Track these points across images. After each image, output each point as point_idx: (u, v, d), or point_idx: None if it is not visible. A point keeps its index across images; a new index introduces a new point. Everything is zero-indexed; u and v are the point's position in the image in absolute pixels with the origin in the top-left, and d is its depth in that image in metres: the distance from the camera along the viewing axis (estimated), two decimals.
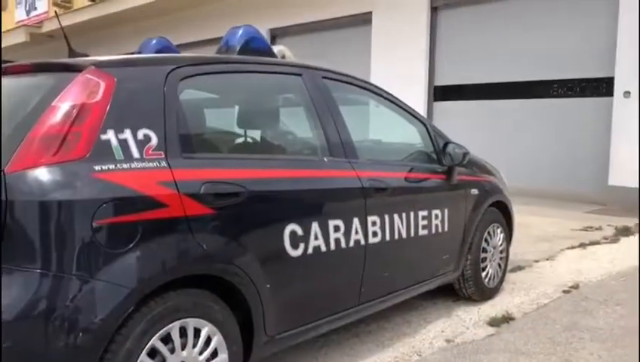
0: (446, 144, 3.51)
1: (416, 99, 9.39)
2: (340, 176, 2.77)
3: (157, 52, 3.06)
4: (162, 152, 2.08)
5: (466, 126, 9.06)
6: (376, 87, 3.42)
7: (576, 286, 4.10)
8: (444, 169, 3.49)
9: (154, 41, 3.16)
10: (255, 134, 2.90)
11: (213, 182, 2.18)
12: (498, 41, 8.76)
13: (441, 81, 9.56)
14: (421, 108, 9.41)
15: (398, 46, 9.70)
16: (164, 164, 2.07)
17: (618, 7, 7.32)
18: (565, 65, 8.08)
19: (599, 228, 6.07)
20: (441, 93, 9.58)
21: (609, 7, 7.46)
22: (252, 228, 2.30)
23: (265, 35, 11.52)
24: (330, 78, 3.03)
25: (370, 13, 10.08)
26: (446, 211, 3.42)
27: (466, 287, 3.73)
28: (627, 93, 7.29)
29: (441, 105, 9.60)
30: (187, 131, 2.26)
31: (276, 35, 11.86)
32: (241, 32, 2.80)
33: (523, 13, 8.50)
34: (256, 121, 2.88)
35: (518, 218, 4.54)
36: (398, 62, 9.69)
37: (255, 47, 2.78)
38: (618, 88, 7.38)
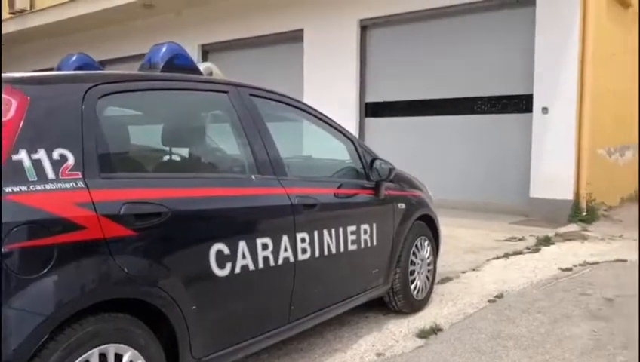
0: (373, 160, 3.58)
1: (348, 115, 9.55)
2: (268, 193, 2.77)
3: (77, 69, 2.96)
4: (79, 172, 2.01)
5: (397, 141, 9.29)
6: (305, 104, 3.46)
7: (500, 296, 4.26)
8: (372, 184, 3.55)
9: (74, 57, 3.06)
10: (180, 152, 2.86)
11: (134, 202, 2.12)
12: (426, 59, 9.05)
13: (371, 97, 9.76)
14: (353, 125, 9.57)
15: (330, 63, 9.84)
16: (81, 184, 2.00)
17: (535, 28, 7.74)
18: (488, 83, 8.44)
19: (522, 239, 6.34)
20: (372, 110, 9.78)
21: (527, 27, 7.87)
22: (176, 248, 2.26)
23: (196, 51, 11.42)
24: (258, 96, 3.03)
25: (302, 30, 10.19)
26: (374, 226, 3.47)
27: (396, 300, 3.79)
28: (545, 110, 7.70)
29: (372, 122, 9.80)
30: (107, 150, 2.19)
31: (207, 51, 11.77)
32: (164, 48, 2.76)
33: (448, 32, 8.83)
34: (181, 139, 2.84)
35: (446, 230, 4.68)
36: (329, 79, 9.83)
37: (179, 64, 2.75)
38: (537, 105, 7.78)
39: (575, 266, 5.13)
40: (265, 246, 2.63)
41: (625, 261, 5.32)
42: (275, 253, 2.68)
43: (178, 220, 2.25)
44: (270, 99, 3.14)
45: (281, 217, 2.78)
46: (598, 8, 7.65)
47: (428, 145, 9.03)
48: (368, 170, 3.56)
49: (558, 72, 7.56)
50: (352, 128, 9.53)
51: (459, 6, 8.48)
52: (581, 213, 7.44)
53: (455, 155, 8.76)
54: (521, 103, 8.13)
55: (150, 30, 11.63)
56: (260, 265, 2.60)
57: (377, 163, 3.56)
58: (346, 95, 9.68)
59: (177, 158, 2.85)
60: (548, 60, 7.62)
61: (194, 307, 2.27)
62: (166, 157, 2.83)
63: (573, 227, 7.05)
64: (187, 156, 2.89)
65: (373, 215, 3.52)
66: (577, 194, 7.52)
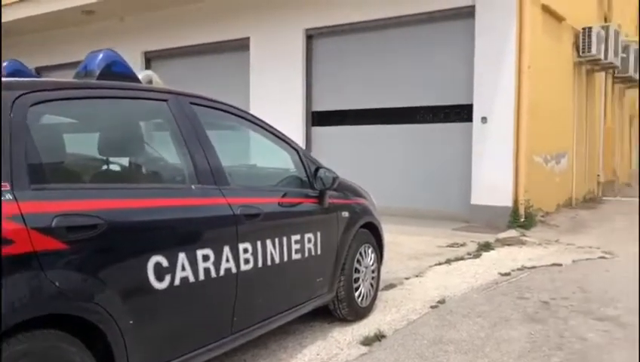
0: (317, 169, 3.59)
1: (295, 124, 9.58)
2: (209, 203, 2.73)
3: (8, 75, 2.84)
4: (8, 184, 1.93)
5: (343, 150, 9.38)
6: (248, 113, 3.44)
7: (442, 301, 4.35)
8: (316, 193, 3.56)
9: (5, 64, 2.94)
10: (117, 162, 2.78)
11: (66, 214, 2.05)
12: (371, 69, 9.19)
13: (318, 106, 9.82)
14: (299, 133, 9.60)
15: (276, 72, 9.85)
16: (9, 196, 1.91)
17: (474, 42, 7.99)
18: (431, 93, 8.65)
19: (464, 245, 6.50)
20: (318, 119, 9.83)
21: (467, 39, 8.11)
22: (112, 261, 2.19)
23: (139, 58, 11.19)
24: (199, 104, 2.99)
25: (248, 38, 10.16)
26: (319, 234, 3.48)
27: (341, 308, 3.81)
28: (484, 119, 7.95)
29: (318, 130, 9.85)
30: (38, 160, 2.11)
31: (151, 58, 11.56)
32: (101, 56, 2.68)
33: (393, 43, 9.01)
34: (118, 149, 2.76)
35: (390, 237, 4.75)
36: (276, 87, 9.83)
37: (117, 72, 2.68)
38: (476, 114, 8.03)
39: (513, 271, 5.30)
40: (206, 258, 2.59)
41: (560, 265, 5.54)
42: (217, 264, 2.65)
43: (114, 232, 2.19)
44: (212, 107, 3.11)
45: (223, 227, 2.75)
46: (533, 22, 7.98)
47: (373, 154, 9.16)
48: (312, 179, 3.56)
49: (496, 83, 7.83)
50: (299, 137, 9.56)
51: (402, 17, 8.66)
52: (519, 219, 7.71)
53: (399, 163, 8.91)
54: (462, 113, 8.36)
55: (94, 36, 11.31)
56: (201, 276, 2.56)
57: (321, 172, 3.58)
58: (292, 104, 9.71)
59: (114, 168, 2.78)
60: (486, 72, 7.88)
61: (131, 321, 2.21)
62: (102, 167, 2.75)
63: (512, 232, 7.29)
64: (125, 166, 2.82)
65: (318, 224, 3.53)
66: (516, 200, 7.79)
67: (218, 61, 10.82)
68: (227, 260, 2.71)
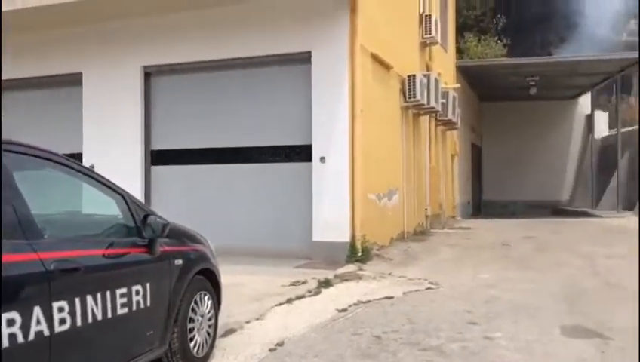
0: (146, 216, 3.44)
1: (133, 163, 9.19)
2: (16, 260, 2.47)
3: None
4: None
5: (184, 189, 9.18)
6: (67, 158, 3.20)
7: (281, 343, 4.36)
8: (146, 242, 3.41)
9: None
10: None
11: None
12: (213, 108, 9.17)
13: (158, 145, 9.53)
14: (138, 173, 9.22)
15: (112, 109, 9.41)
16: None
17: (311, 86, 8.35)
18: (273, 133, 8.84)
19: (305, 282, 6.63)
20: (158, 158, 9.52)
21: (306, 83, 8.45)
22: None
23: None
24: (7, 150, 2.72)
25: (80, 74, 9.61)
26: (148, 286, 3.32)
27: (175, 360, 3.64)
28: (322, 159, 8.29)
29: (159, 170, 9.53)
30: None
31: None
32: None
33: (235, 83, 9.10)
34: None
35: (232, 279, 4.68)
36: (112, 125, 9.38)
37: None
38: (315, 154, 8.34)
39: (350, 306, 5.50)
40: (11, 323, 2.32)
41: (392, 297, 5.87)
42: (25, 328, 2.39)
43: None
44: (23, 153, 2.84)
45: (32, 286, 2.49)
46: (364, 69, 8.57)
47: (215, 193, 9.07)
48: (141, 227, 3.40)
49: (333, 125, 8.24)
50: (138, 177, 9.18)
51: (243, 59, 8.82)
52: (357, 254, 8.08)
53: (242, 203, 8.92)
54: (302, 153, 8.64)
55: None
56: (5, 343, 2.29)
57: (151, 218, 3.43)
58: (130, 142, 9.31)
59: None
60: (323, 114, 8.27)
61: None
62: None
63: (350, 267, 7.61)
64: None
65: (147, 274, 3.36)
66: (353, 236, 8.17)
67: (51, 95, 10.07)
68: (38, 322, 2.46)
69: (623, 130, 20.84)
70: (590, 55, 23.34)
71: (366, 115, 8.56)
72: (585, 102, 24.29)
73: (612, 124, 22.62)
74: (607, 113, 24.47)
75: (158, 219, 3.46)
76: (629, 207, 18.96)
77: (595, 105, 23.50)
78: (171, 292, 3.58)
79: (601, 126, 23.92)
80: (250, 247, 8.48)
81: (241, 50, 8.73)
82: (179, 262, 3.69)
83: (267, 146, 8.93)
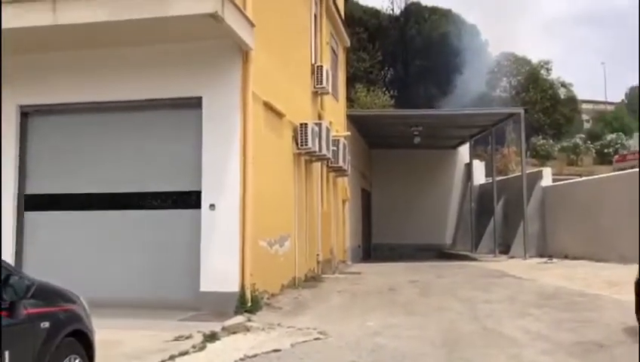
0: (8, 276, 3.15)
1: (4, 209, 8.45)
2: None
3: None
4: None
5: (61, 238, 8.59)
6: None
7: None
8: (7, 304, 3.11)
9: None
10: None
11: None
12: (96, 152, 8.73)
13: (34, 189, 8.87)
14: (10, 219, 8.50)
15: None
16: None
17: (202, 132, 8.23)
18: (160, 179, 8.56)
19: (189, 337, 6.33)
20: (34, 203, 8.85)
21: (196, 128, 8.29)
22: None
23: None
24: None
25: None
26: (7, 354, 3.01)
27: None
28: (212, 206, 8.13)
29: (33, 216, 8.84)
30: None
31: None
32: None
33: (120, 127, 8.75)
34: None
35: (112, 335, 4.38)
36: None
37: None
38: (205, 201, 8.16)
39: None
40: None
41: (279, 350, 5.78)
42: None
43: None
44: None
45: None
46: (256, 117, 8.61)
47: (96, 242, 8.56)
48: (2, 288, 3.11)
49: (224, 172, 8.15)
50: (9, 224, 8.45)
51: (127, 102, 8.53)
52: (246, 304, 7.91)
53: (126, 252, 8.48)
54: (191, 199, 8.41)
55: None
56: None
57: (13, 279, 3.15)
58: (2, 186, 8.57)
59: None
60: (214, 160, 8.16)
61: None
62: None
63: (239, 318, 7.41)
64: None
65: (8, 340, 3.05)
66: (242, 285, 8.00)
67: None
68: None
69: (498, 178, 22.56)
70: (468, 109, 25.31)
71: (258, 162, 8.56)
72: (464, 151, 26.08)
73: (488, 173, 24.40)
74: (483, 162, 26.40)
75: (21, 280, 3.17)
76: (504, 250, 20.37)
77: (473, 154, 25.27)
78: (35, 358, 3.27)
79: (479, 174, 25.74)
80: (133, 300, 8.02)
81: (130, 92, 8.46)
82: (45, 324, 3.40)
83: (154, 192, 8.64)
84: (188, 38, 8.09)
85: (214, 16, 7.00)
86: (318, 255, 13.12)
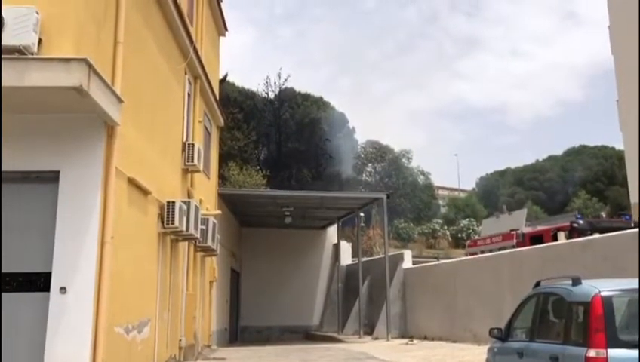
0: None
1: None
2: None
3: None
4: None
5: None
6: None
7: None
8: None
9: None
10: None
11: None
12: None
13: None
14: None
15: None
16: None
17: (56, 207, 7.67)
18: (6, 258, 7.73)
19: None
20: None
21: (50, 204, 7.71)
22: None
23: None
24: None
25: None
26: None
27: None
28: (63, 289, 7.47)
29: None
30: None
31: None
32: None
33: None
34: None
35: None
36: None
37: None
38: (55, 284, 7.48)
39: None
40: None
41: None
42: None
43: None
44: None
45: None
46: (118, 194, 8.23)
47: None
48: None
49: (78, 252, 7.58)
50: None
51: None
52: None
53: None
54: (39, 282, 7.67)
55: None
56: None
57: None
58: None
59: None
60: (68, 240, 7.58)
61: None
62: None
63: None
64: None
65: None
66: None
67: None
68: None
69: (363, 259, 23.35)
70: (335, 192, 26.34)
71: (118, 242, 8.10)
72: (333, 232, 26.82)
73: (355, 253, 25.20)
74: (350, 243, 27.28)
75: None
76: (368, 331, 20.79)
77: (340, 235, 26.05)
78: None
79: (346, 254, 26.48)
80: None
81: None
82: None
83: None
84: (50, 109, 7.68)
85: (79, 90, 6.75)
86: (180, 340, 12.42)
